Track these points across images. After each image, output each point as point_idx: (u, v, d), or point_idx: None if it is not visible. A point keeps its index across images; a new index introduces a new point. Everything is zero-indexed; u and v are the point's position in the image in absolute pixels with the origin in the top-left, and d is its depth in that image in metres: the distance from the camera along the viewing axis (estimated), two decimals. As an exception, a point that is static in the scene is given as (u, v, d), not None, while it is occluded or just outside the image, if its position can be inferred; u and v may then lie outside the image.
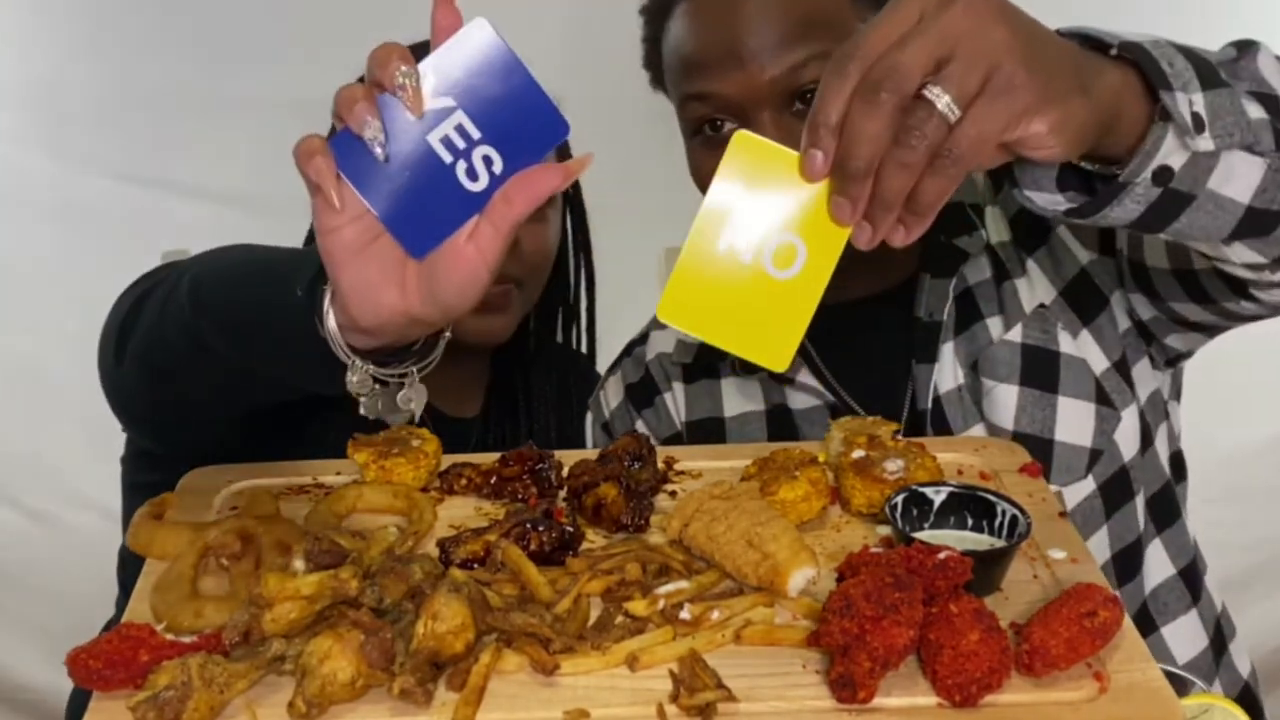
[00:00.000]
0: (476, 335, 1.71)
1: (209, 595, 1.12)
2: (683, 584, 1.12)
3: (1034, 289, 1.58)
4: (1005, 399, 1.55)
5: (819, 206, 0.97)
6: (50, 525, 3.12)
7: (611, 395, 1.80)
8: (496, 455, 1.33)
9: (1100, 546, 1.56)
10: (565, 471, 1.31)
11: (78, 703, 1.63)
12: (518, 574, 1.12)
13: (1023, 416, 1.55)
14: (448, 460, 1.35)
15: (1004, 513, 1.18)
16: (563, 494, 1.29)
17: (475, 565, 1.15)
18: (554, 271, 1.83)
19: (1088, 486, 1.55)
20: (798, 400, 1.64)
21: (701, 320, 1.00)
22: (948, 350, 1.58)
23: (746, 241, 0.99)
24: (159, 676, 0.98)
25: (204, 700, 0.97)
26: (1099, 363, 1.56)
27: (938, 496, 1.21)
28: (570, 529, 1.19)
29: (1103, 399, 1.55)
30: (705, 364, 1.71)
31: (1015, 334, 1.56)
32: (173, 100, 2.86)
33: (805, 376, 1.63)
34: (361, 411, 1.13)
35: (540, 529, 1.17)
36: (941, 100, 0.92)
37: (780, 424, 1.65)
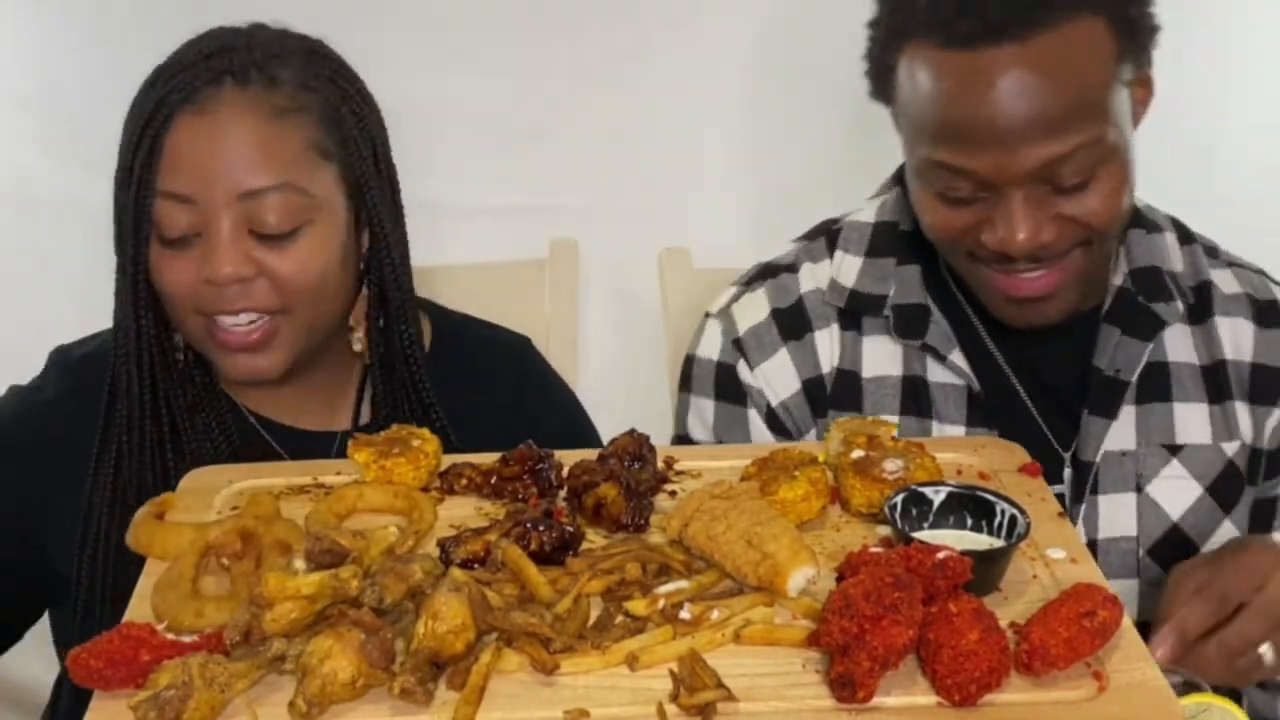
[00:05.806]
0: (246, 375, 1.51)
1: (210, 595, 1.12)
2: (683, 584, 1.12)
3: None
4: (1180, 496, 1.56)
5: None
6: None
7: (748, 313, 1.68)
8: (497, 455, 1.33)
9: None
10: (565, 471, 1.31)
11: (69, 702, 1.62)
12: (518, 574, 1.12)
13: (1190, 516, 1.56)
14: (448, 460, 1.35)
15: (1003, 512, 1.18)
16: (563, 494, 1.30)
17: (475, 565, 1.15)
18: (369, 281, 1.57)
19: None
20: (937, 373, 1.59)
21: None
22: (1128, 415, 1.57)
23: None
24: (160, 676, 0.98)
25: (205, 700, 0.97)
26: None
27: (937, 496, 1.21)
28: (570, 529, 1.19)
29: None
30: (853, 313, 1.64)
31: (1203, 435, 1.55)
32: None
33: (957, 356, 1.58)
34: None
35: (540, 529, 1.17)
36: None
37: (916, 394, 1.60)
